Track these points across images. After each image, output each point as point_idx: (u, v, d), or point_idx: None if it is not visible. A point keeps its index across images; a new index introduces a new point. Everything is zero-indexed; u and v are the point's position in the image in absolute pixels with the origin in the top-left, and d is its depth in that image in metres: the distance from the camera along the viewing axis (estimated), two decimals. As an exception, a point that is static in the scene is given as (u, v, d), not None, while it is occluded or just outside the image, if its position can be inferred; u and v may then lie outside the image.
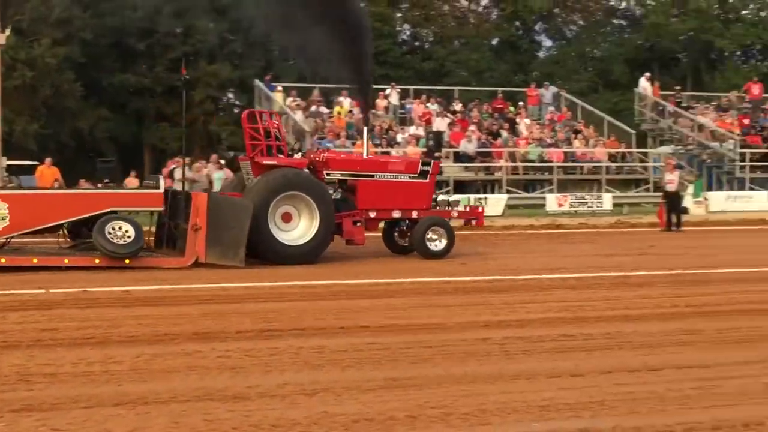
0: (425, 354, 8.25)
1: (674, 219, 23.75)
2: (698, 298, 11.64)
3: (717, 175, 34.20)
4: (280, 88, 33.76)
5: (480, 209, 19.03)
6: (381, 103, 33.99)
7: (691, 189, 29.72)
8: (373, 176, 17.11)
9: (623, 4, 58.38)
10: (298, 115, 31.73)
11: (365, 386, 7.06)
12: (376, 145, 30.20)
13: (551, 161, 32.21)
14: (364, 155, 18.05)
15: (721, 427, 6.03)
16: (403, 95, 35.23)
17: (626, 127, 35.89)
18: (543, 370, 7.60)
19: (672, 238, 21.67)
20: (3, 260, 14.36)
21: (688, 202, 28.08)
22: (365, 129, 18.83)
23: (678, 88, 40.91)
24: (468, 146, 31.33)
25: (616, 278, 13.85)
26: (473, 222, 18.34)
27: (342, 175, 17.01)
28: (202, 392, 6.86)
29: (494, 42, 54.46)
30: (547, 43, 58.58)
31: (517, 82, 45.22)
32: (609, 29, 58.20)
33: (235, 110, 45.77)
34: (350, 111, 31.94)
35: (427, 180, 17.39)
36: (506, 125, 34.18)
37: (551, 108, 36.77)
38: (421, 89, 36.56)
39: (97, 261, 14.57)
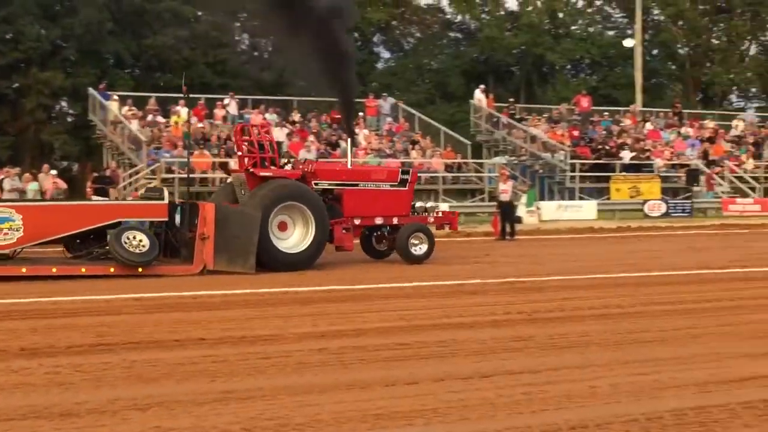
0: (262, 365, 8.20)
1: (508, 228, 24.34)
2: (530, 305, 11.94)
3: (549, 185, 35.26)
4: (115, 97, 33.07)
5: (454, 214, 20.26)
6: (219, 112, 33.71)
7: (524, 199, 30.49)
8: (357, 185, 18.10)
9: (459, 18, 59.59)
10: (134, 125, 31.13)
11: (200, 399, 6.97)
12: (214, 155, 29.95)
13: (389, 172, 32.47)
14: (349, 165, 19.35)
15: (549, 431, 6.20)
16: (242, 105, 35.01)
17: (462, 138, 36.63)
18: (378, 379, 7.66)
19: (506, 246, 22.19)
20: (24, 270, 14.88)
21: (521, 211, 28.81)
22: (349, 141, 20.35)
23: (512, 100, 42.02)
24: (307, 156, 31.35)
25: (451, 287, 14.10)
26: (447, 227, 19.51)
27: (329, 184, 17.92)
28: (28, 410, 6.64)
29: (333, 53, 54.67)
30: (386, 54, 59.29)
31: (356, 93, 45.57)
32: (445, 42, 59.28)
33: (69, 119, 44.60)
34: (187, 120, 31.51)
35: (407, 188, 18.52)
36: (345, 136, 34.36)
37: (389, 119, 37.19)
38: (259, 99, 36.43)
39: (111, 270, 15.19)
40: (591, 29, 58.86)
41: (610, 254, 19.72)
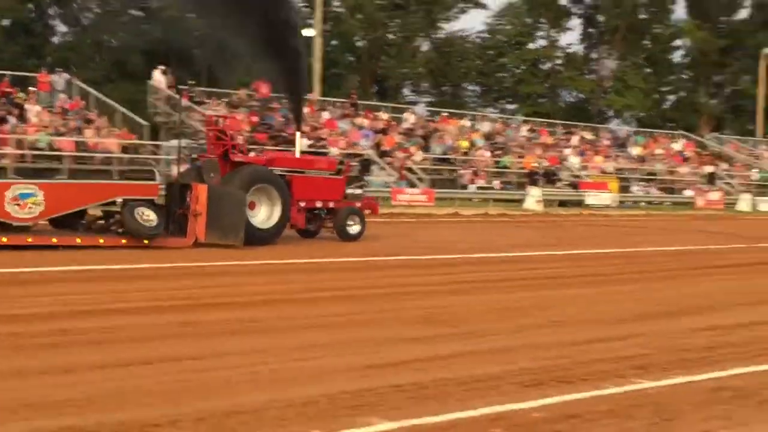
0: None
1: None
2: (190, 291, 11.91)
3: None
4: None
5: (376, 200, 23.34)
6: None
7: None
8: (304, 172, 20.39)
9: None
10: None
11: None
12: None
13: (61, 150, 31.39)
14: (297, 155, 21.74)
15: (205, 418, 6.21)
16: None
17: (140, 119, 35.91)
18: (34, 368, 7.37)
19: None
20: (54, 240, 16.34)
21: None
22: (298, 134, 22.48)
23: (192, 82, 41.62)
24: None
25: (119, 271, 13.80)
26: (368, 211, 21.63)
27: (282, 171, 19.88)
28: None
29: (5, 23, 52.01)
30: (62, 28, 57.06)
31: (30, 66, 43.56)
32: (126, 20, 57.87)
33: None
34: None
35: (341, 177, 21.15)
36: (15, 111, 32.78)
37: (63, 96, 35.82)
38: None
39: (123, 241, 16.88)
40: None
41: (282, 240, 20.01)
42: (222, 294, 11.83)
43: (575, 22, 79.80)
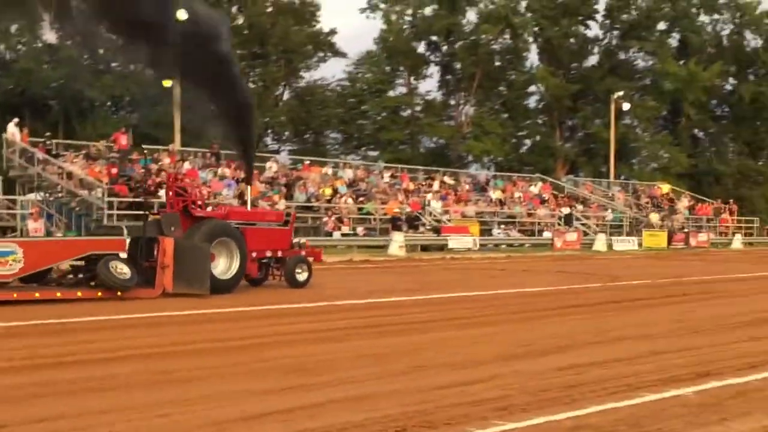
0: None
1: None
2: (58, 349, 11.64)
3: (86, 222, 34.60)
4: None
5: (318, 249, 24.70)
6: None
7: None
8: (255, 224, 21.58)
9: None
10: None
11: None
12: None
13: None
14: (248, 208, 23.64)
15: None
16: None
17: (-5, 173, 35.01)
18: None
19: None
20: (37, 294, 17.06)
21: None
22: (248, 188, 24.75)
23: (48, 134, 40.83)
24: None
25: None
26: (312, 259, 22.76)
27: (236, 223, 20.98)
28: None
29: None
30: None
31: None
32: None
33: None
34: None
35: (288, 227, 22.56)
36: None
37: None
38: None
39: (99, 294, 17.73)
40: (132, 67, 58.79)
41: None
42: (81, 351, 11.59)
43: (433, 70, 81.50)
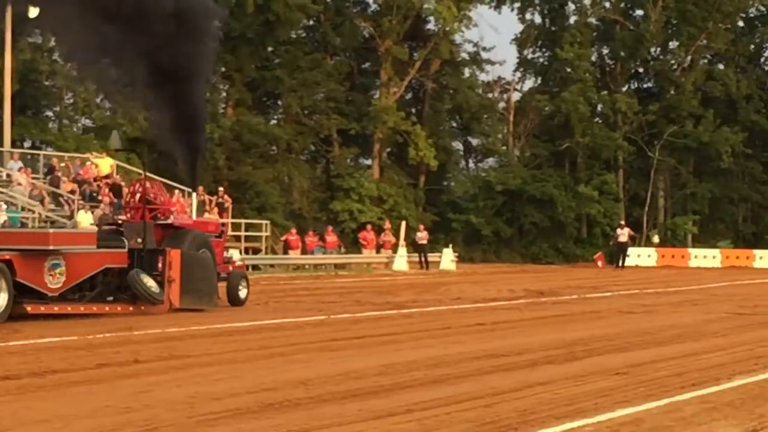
0: None
1: None
2: None
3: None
4: None
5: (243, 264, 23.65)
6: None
7: None
8: (219, 236, 21.03)
9: None
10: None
11: None
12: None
13: None
14: (194, 218, 22.41)
15: None
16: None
17: None
18: None
19: None
20: (82, 309, 17.00)
21: None
22: (194, 195, 23.82)
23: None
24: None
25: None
26: None
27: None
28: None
29: None
30: None
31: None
32: None
33: None
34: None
35: (222, 239, 21.58)
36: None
37: None
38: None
39: (131, 308, 17.51)
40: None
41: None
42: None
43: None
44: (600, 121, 53.19)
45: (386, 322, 17.68)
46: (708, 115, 51.61)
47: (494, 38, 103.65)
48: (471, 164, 57.19)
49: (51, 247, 16.46)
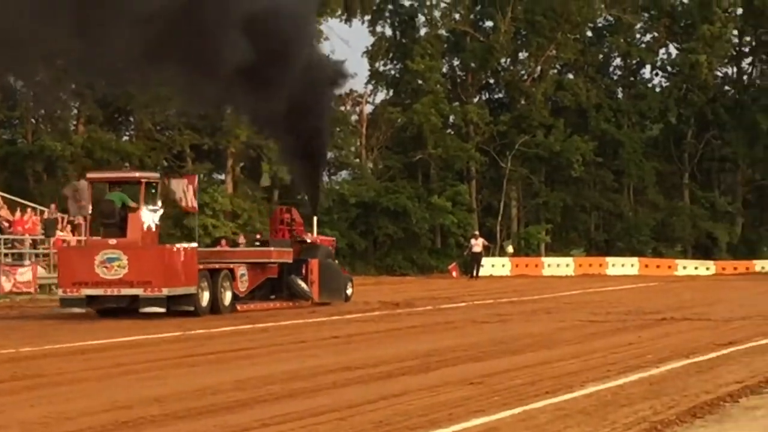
0: None
1: None
2: None
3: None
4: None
5: None
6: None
7: None
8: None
9: None
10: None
11: None
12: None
13: None
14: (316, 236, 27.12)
15: None
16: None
17: None
18: None
19: None
20: (270, 305, 24.11)
21: None
22: (315, 218, 27.36)
23: None
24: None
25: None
26: None
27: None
28: None
29: None
30: None
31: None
32: None
33: None
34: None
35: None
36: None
37: None
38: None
39: (291, 304, 24.42)
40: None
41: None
42: None
43: None
44: (452, 132, 53.69)
45: (242, 337, 17.83)
46: (558, 124, 52.62)
47: (345, 51, 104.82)
48: (325, 177, 57.35)
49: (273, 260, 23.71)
